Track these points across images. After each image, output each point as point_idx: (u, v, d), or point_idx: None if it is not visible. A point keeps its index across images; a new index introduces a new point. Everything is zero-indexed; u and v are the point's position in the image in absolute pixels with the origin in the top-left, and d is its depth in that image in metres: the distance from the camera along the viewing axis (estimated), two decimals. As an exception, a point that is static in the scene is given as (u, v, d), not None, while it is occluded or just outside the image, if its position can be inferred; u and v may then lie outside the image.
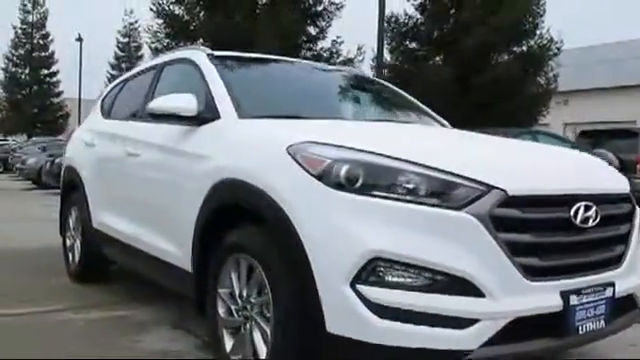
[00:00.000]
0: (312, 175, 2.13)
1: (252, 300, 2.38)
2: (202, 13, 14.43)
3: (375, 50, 13.95)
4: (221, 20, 13.49)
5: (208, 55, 3.35)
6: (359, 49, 15.94)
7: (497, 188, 2.01)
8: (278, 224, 2.19)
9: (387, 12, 14.21)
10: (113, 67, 42.00)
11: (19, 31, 39.93)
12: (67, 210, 4.78)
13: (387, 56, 16.57)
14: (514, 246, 2.00)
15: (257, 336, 2.34)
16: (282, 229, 2.17)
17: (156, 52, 14.72)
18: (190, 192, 2.78)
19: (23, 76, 39.72)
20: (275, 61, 3.78)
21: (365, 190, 2.04)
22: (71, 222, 4.71)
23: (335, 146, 2.18)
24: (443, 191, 2.01)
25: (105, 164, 4.07)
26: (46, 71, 40.14)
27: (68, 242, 4.76)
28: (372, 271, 1.96)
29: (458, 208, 1.98)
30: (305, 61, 4.44)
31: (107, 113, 4.54)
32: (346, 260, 1.97)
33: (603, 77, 23.98)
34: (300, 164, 2.18)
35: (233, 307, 2.49)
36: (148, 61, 4.24)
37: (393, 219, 1.98)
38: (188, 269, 2.83)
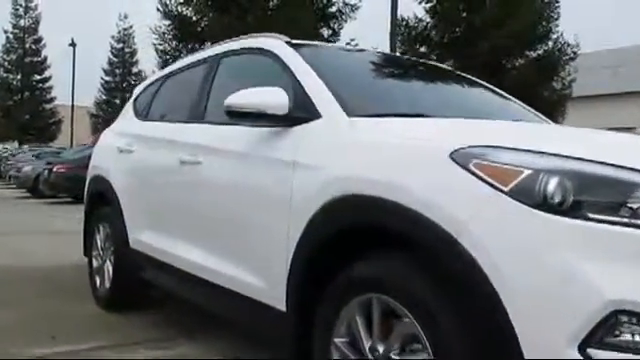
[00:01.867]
0: (501, 191, 1.54)
1: (393, 357, 1.79)
2: (211, 14, 13.80)
3: (387, 54, 13.43)
4: (231, 21, 12.89)
5: (288, 43, 2.77)
6: (373, 53, 15.38)
7: None
8: (447, 257, 1.60)
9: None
10: (107, 73, 41.28)
11: (10, 36, 39.15)
12: (94, 227, 4.17)
13: (398, 60, 16.06)
14: None
15: (405, 406, 1.75)
16: (455, 265, 1.58)
17: (163, 54, 14.15)
18: (285, 210, 2.20)
19: (15, 82, 38.87)
20: (359, 51, 3.21)
21: (582, 212, 1.46)
22: (99, 240, 4.10)
23: (531, 152, 1.59)
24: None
25: (148, 174, 3.47)
26: (38, 77, 39.33)
27: (95, 263, 4.15)
28: (610, 329, 1.38)
29: None
30: (388, 52, 3.83)
31: (144, 114, 3.94)
32: (572, 314, 1.39)
33: (604, 83, 23.59)
34: (477, 175, 1.60)
35: (359, 363, 1.90)
36: (195, 54, 3.64)
37: (633, 254, 1.41)
38: (279, 307, 2.24)
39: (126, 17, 42.14)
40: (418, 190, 1.70)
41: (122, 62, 41.28)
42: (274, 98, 2.33)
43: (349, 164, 2.00)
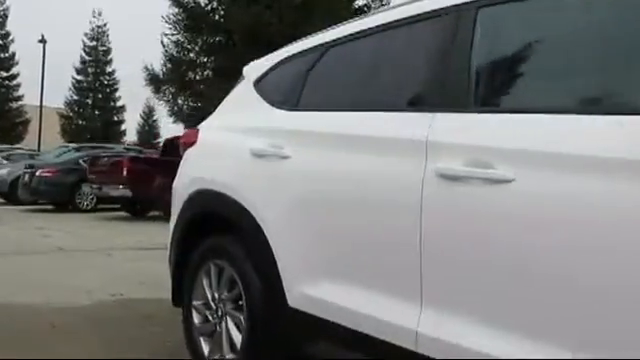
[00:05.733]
0: None
1: None
2: (233, 3, 12.40)
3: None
4: (261, 11, 11.52)
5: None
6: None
7: None
8: None
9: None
10: (79, 72, 39.18)
11: (-25, 31, 36.72)
12: (199, 265, 2.84)
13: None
14: None
15: None
16: None
17: (176, 45, 12.69)
18: None
19: (-21, 79, 36.48)
20: None
21: None
22: (206, 286, 2.78)
23: None
24: None
25: (339, 192, 2.17)
26: (5, 74, 36.93)
27: (197, 319, 2.82)
28: None
29: None
30: None
31: (291, 102, 2.62)
32: None
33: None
34: None
35: None
36: (390, 7, 2.37)
37: None
38: None
39: (100, 14, 39.87)
40: None
41: (95, 61, 39.25)
42: None
43: None
